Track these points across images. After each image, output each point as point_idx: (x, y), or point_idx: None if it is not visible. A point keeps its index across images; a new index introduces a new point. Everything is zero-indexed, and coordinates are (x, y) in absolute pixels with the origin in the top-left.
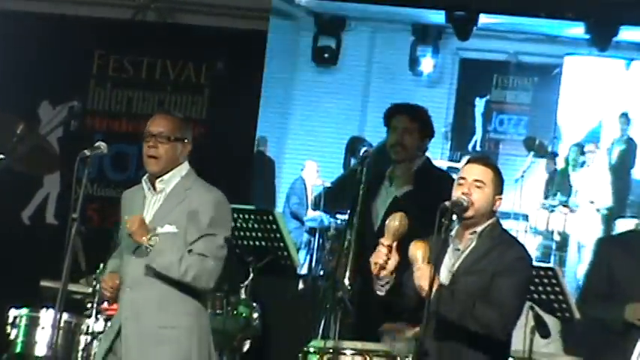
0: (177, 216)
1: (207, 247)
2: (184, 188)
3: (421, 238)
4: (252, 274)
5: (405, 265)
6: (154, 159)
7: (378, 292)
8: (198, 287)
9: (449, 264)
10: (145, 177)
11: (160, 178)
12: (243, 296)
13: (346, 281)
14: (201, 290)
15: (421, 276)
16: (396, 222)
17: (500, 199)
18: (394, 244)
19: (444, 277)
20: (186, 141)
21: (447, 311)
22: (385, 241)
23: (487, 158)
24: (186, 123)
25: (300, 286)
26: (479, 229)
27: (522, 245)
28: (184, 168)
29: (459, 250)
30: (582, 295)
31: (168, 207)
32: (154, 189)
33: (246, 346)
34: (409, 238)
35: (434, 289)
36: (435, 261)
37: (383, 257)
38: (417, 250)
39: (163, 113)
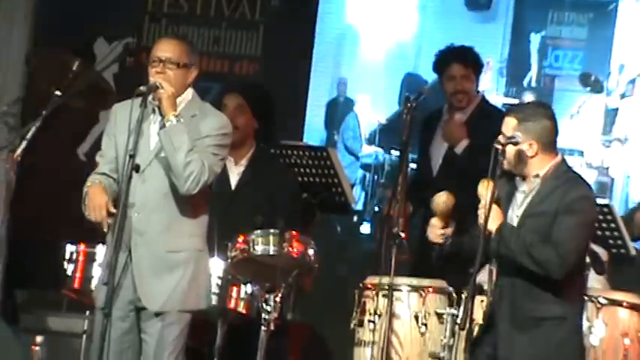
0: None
1: (209, 158)
2: (190, 115)
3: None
4: (317, 213)
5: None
6: None
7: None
8: (186, 186)
9: (516, 207)
10: (151, 99)
11: None
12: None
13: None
14: (185, 192)
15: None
16: (440, 203)
17: (532, 145)
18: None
19: (513, 220)
20: (193, 67)
21: (506, 249)
22: (437, 221)
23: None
24: (194, 48)
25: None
26: (542, 172)
27: (587, 184)
28: (190, 93)
29: (524, 192)
30: None
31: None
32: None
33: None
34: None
35: (495, 228)
36: (500, 202)
37: (440, 233)
38: (484, 190)
39: (171, 38)
